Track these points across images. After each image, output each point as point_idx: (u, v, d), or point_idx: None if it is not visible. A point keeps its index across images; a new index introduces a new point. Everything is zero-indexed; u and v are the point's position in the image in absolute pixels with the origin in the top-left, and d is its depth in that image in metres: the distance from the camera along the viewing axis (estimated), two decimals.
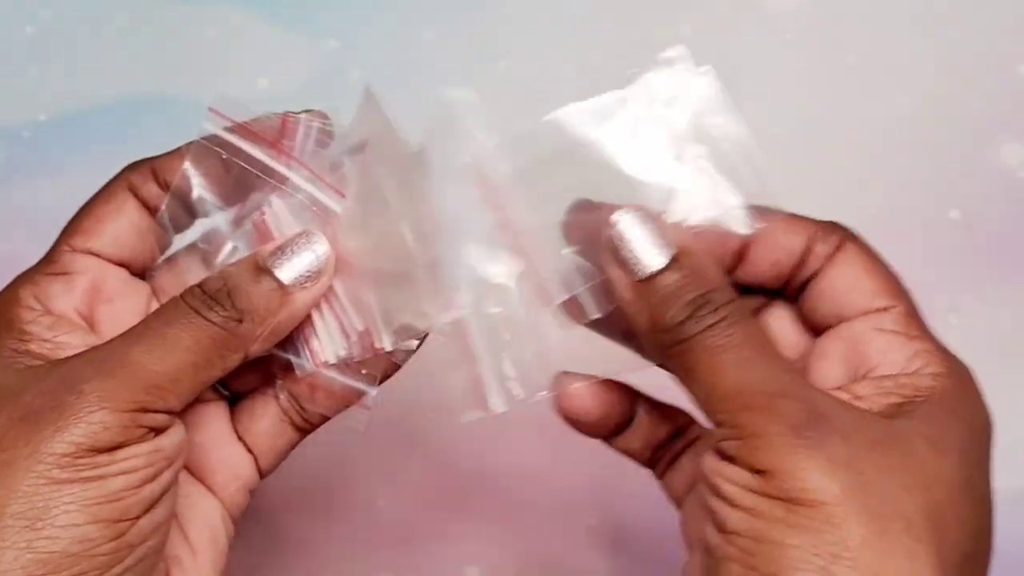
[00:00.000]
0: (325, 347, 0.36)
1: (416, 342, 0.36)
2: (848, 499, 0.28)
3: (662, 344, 0.32)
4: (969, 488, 0.31)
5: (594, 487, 0.52)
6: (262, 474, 0.37)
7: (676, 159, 0.34)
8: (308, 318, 0.35)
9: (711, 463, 0.31)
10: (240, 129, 0.35)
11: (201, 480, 0.36)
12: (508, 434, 0.52)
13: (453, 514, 0.52)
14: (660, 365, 0.34)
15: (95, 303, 0.35)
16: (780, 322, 0.36)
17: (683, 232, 0.33)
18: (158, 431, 0.32)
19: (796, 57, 0.56)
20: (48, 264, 0.35)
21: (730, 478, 0.30)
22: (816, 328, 0.35)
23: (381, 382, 0.36)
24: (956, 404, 0.32)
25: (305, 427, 0.37)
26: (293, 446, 0.37)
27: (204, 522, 0.36)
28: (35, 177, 0.56)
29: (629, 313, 0.33)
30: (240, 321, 0.33)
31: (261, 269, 0.34)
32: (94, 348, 0.33)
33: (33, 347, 0.33)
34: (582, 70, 0.57)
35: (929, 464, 0.30)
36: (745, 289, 0.36)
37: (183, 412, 0.33)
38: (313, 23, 0.57)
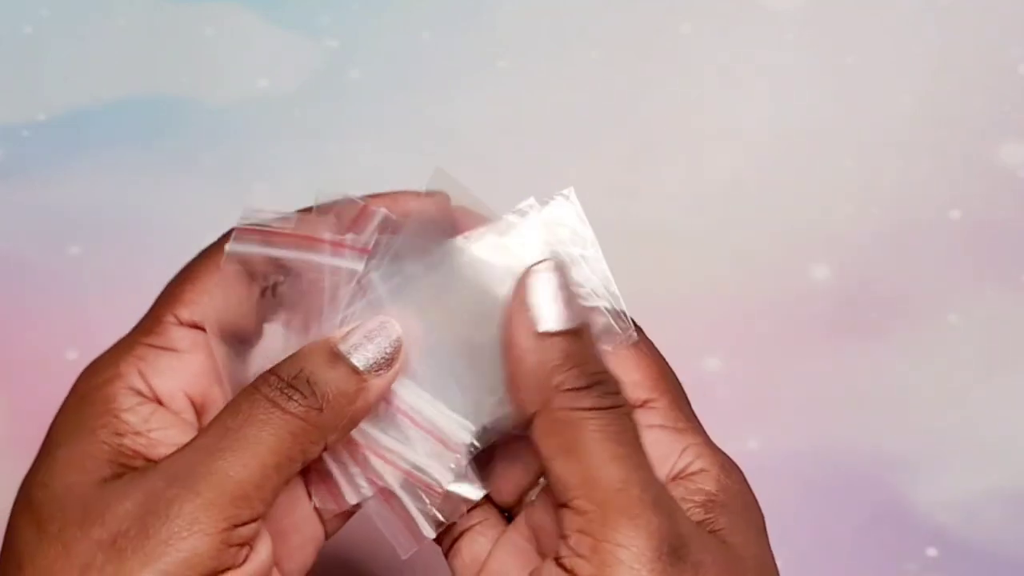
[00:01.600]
0: (345, 489, 0.34)
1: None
2: None
3: (545, 405, 0.30)
4: None
5: None
6: (327, 535, 0.35)
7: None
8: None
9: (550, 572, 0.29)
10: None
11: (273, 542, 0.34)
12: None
13: None
14: (516, 431, 0.33)
15: (204, 386, 0.33)
16: None
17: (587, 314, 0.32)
18: (245, 542, 0.30)
19: (796, 57, 0.56)
20: (151, 335, 0.33)
21: None
22: None
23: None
24: (737, 500, 0.31)
25: None
26: (357, 510, 0.35)
27: None
28: (35, 177, 0.56)
29: (514, 360, 0.31)
30: (321, 410, 0.30)
31: (336, 355, 0.31)
32: (176, 458, 0.30)
33: (127, 443, 0.31)
34: (582, 70, 0.57)
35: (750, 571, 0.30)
36: None
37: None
38: (313, 23, 0.57)
